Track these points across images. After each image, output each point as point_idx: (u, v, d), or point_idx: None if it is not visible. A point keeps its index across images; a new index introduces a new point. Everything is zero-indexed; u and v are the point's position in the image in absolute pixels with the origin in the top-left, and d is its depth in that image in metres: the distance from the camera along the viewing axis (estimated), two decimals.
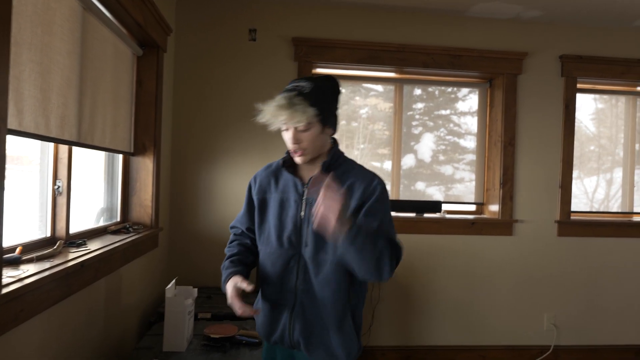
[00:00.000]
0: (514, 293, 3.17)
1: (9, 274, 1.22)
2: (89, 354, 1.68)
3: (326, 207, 1.12)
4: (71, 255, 1.55)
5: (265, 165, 1.48)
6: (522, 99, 3.17)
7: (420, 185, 3.28)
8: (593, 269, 3.24)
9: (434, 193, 3.29)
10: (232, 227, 1.53)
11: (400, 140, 3.24)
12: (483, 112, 3.33)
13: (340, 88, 1.40)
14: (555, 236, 3.20)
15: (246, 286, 1.26)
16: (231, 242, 1.50)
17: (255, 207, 1.41)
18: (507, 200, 3.15)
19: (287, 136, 1.29)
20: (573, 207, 3.28)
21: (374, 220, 1.25)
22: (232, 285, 1.29)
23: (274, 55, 2.98)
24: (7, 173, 1.13)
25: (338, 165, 1.35)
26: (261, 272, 1.40)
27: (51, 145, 1.72)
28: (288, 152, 1.36)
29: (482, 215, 3.31)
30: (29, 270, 1.28)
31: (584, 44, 3.21)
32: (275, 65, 2.98)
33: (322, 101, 1.28)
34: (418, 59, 3.06)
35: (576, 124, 3.26)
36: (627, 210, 3.45)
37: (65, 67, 1.63)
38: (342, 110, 3.19)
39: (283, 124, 1.27)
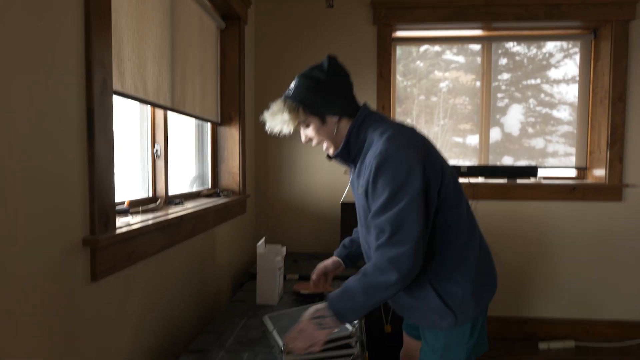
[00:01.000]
0: (624, 264, 2.85)
1: (121, 220, 1.34)
2: (189, 300, 1.81)
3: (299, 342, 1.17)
4: (171, 211, 1.65)
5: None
6: (636, 48, 2.79)
7: (507, 160, 3.05)
8: None
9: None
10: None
11: (489, 106, 3.02)
12: (586, 68, 2.99)
13: (337, 67, 1.30)
14: None
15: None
16: None
17: None
18: (616, 162, 2.82)
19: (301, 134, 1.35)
20: None
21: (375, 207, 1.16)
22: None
23: (353, 21, 2.92)
24: (114, 135, 1.22)
25: (359, 146, 1.28)
26: None
27: (148, 111, 1.84)
28: None
29: (585, 181, 3.00)
30: (137, 218, 1.40)
31: None
32: (354, 30, 2.92)
33: (304, 96, 1.26)
34: (509, 12, 2.81)
35: None
36: None
37: (158, 37, 1.73)
38: (421, 84, 3.06)
39: (280, 130, 1.30)
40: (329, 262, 1.56)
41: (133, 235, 1.25)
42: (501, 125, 3.06)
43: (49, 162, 0.97)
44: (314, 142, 1.32)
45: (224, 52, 2.58)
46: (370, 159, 1.17)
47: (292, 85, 1.30)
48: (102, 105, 1.15)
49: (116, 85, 1.42)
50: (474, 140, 3.07)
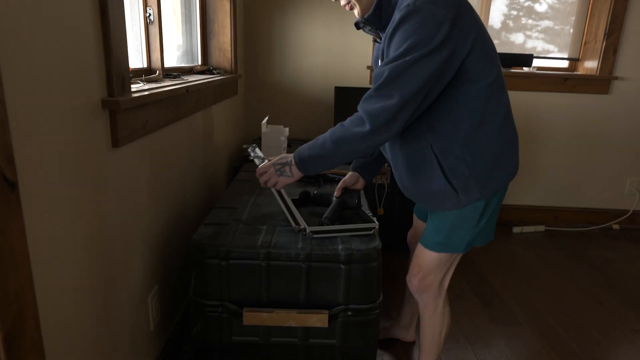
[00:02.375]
0: (599, 155, 3.02)
1: (132, 86, 1.23)
2: (195, 176, 1.78)
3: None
4: (172, 83, 1.54)
5: None
6: None
7: None
8: None
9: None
10: None
11: None
12: None
13: None
14: None
15: None
16: None
17: None
18: (610, 54, 2.81)
19: None
20: None
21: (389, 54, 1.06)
22: None
23: None
24: None
25: (383, 10, 1.12)
26: None
27: None
28: None
29: (576, 72, 3.01)
30: (144, 87, 1.29)
31: None
32: None
33: None
34: None
35: None
36: None
37: None
38: None
39: None
40: (346, 177, 1.45)
41: (148, 101, 1.15)
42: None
43: (62, 12, 0.83)
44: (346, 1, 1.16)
45: None
46: (396, 14, 1.04)
47: None
48: None
49: None
50: None
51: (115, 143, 1.04)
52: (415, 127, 1.15)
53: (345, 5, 1.19)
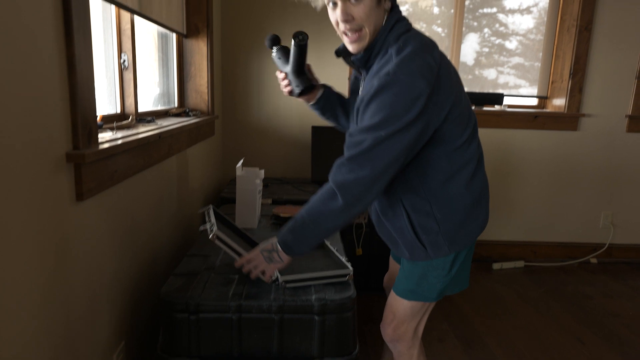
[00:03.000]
0: (573, 190, 3.08)
1: (100, 135, 1.21)
2: (166, 223, 1.74)
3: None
4: (145, 129, 1.52)
5: None
6: None
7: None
8: None
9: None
10: None
11: (461, 28, 2.96)
12: None
13: None
14: (624, 132, 3.01)
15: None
16: None
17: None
18: (576, 92, 2.93)
19: (337, 12, 1.05)
20: None
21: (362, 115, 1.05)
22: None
23: None
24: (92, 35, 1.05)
25: (382, 51, 1.08)
26: None
27: (113, 15, 1.62)
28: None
29: (545, 110, 3.12)
30: (116, 135, 1.27)
31: None
32: None
33: None
34: None
35: None
36: None
37: None
38: None
39: None
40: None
41: (116, 151, 1.13)
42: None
43: (25, 63, 0.82)
44: (353, 25, 1.05)
45: None
46: (385, 63, 1.02)
47: None
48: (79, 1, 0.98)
49: None
50: None
51: (80, 197, 1.01)
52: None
53: (347, 33, 1.08)
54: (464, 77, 3.03)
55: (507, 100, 3.11)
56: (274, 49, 1.29)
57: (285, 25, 2.76)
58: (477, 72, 3.05)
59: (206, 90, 2.41)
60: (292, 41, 1.16)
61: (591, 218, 3.13)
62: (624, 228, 3.14)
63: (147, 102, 2.15)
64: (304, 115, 2.86)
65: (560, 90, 3.00)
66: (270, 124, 2.88)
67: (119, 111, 1.69)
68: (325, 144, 2.76)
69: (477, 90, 3.06)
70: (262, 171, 1.93)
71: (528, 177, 3.05)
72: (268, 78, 2.82)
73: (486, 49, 3.02)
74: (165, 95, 2.33)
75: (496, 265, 2.97)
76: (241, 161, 1.84)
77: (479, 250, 3.12)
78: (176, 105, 2.38)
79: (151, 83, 2.21)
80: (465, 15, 2.96)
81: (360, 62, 1.13)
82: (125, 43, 1.65)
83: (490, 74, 3.07)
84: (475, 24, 2.98)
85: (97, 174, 1.08)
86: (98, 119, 1.36)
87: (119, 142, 1.17)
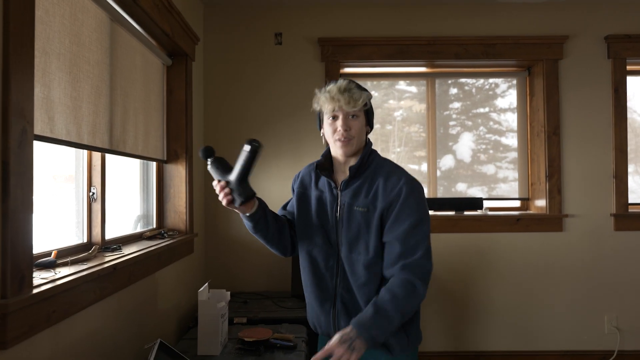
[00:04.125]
0: (569, 294, 2.95)
1: (42, 276, 1.24)
2: (127, 354, 1.69)
3: None
4: (105, 259, 1.57)
5: (309, 163, 1.52)
6: (566, 86, 2.98)
7: (461, 187, 3.15)
8: None
9: (476, 193, 3.15)
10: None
11: (435, 138, 3.12)
12: (523, 102, 3.16)
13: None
14: (612, 230, 2.96)
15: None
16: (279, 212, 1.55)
17: (295, 199, 1.47)
18: (555, 193, 2.96)
19: (338, 123, 1.31)
20: (634, 201, 3.07)
21: (403, 228, 1.27)
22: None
23: (301, 57, 2.97)
24: (48, 184, 1.15)
25: (367, 167, 1.37)
26: (303, 266, 1.44)
27: (85, 153, 1.76)
28: (323, 156, 1.42)
29: (528, 212, 3.12)
30: (61, 272, 1.30)
31: (632, 21, 2.99)
32: (302, 67, 2.96)
33: (367, 95, 1.34)
34: (450, 51, 2.95)
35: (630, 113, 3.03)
36: None
37: (95, 76, 1.67)
38: (377, 113, 3.13)
39: (338, 108, 1.30)
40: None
41: (54, 293, 1.16)
42: (454, 153, 3.16)
43: None
44: (348, 134, 1.31)
45: (171, 89, 2.54)
46: (394, 182, 1.30)
47: (347, 84, 1.33)
48: (20, 157, 1.09)
49: (44, 131, 1.35)
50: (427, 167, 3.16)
51: (4, 344, 1.02)
52: (372, 280, 1.30)
53: (342, 139, 1.31)
54: (464, 173, 3.11)
55: (492, 204, 3.15)
56: (209, 161, 1.34)
57: (264, 141, 2.93)
58: (476, 168, 3.15)
59: (184, 211, 2.51)
60: (247, 147, 1.25)
61: (594, 323, 2.94)
62: (631, 333, 2.94)
63: (127, 224, 2.23)
64: None
65: (540, 191, 3.03)
66: (252, 238, 2.90)
67: (85, 240, 1.75)
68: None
69: (477, 185, 3.12)
70: (228, 293, 1.93)
71: (518, 282, 2.95)
72: None
73: (482, 146, 3.15)
74: (145, 216, 2.43)
75: None
76: (205, 285, 1.84)
77: None
78: (155, 225, 2.45)
79: (132, 206, 2.32)
80: (458, 116, 3.13)
81: (358, 168, 1.34)
82: (95, 177, 1.77)
83: (490, 169, 3.15)
84: (470, 123, 3.15)
85: (28, 318, 1.09)
86: (52, 255, 1.41)
87: (60, 282, 1.20)
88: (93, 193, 1.76)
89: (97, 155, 1.78)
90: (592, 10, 2.98)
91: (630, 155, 3.04)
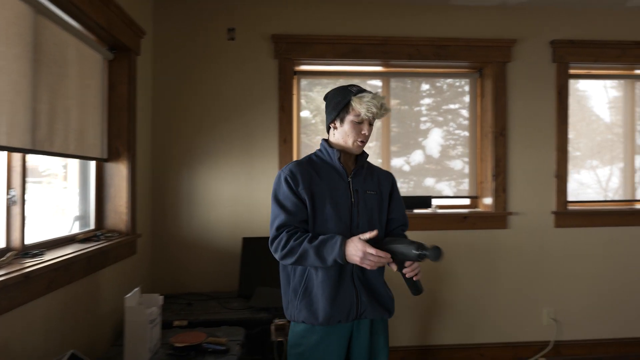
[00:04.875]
0: (511, 288, 3.04)
1: None
2: None
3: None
4: (20, 266, 1.49)
5: (292, 162, 1.59)
6: (513, 88, 3.05)
7: (429, 182, 3.19)
8: (594, 260, 3.09)
9: (444, 189, 3.20)
10: (281, 228, 1.50)
11: (389, 135, 3.13)
12: (474, 103, 3.21)
13: None
14: (552, 227, 3.06)
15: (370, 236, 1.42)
16: (294, 236, 1.48)
17: (307, 200, 1.51)
18: (500, 192, 3.03)
19: (365, 128, 1.53)
20: (584, 198, 3.21)
21: (401, 207, 1.70)
22: (359, 241, 1.40)
23: (254, 54, 2.91)
24: None
25: (365, 161, 1.64)
26: None
27: (4, 154, 1.67)
28: (329, 150, 1.58)
29: (476, 209, 3.19)
30: None
31: (575, 28, 3.07)
32: (255, 63, 2.91)
33: None
34: (403, 51, 2.96)
35: (594, 113, 3.12)
36: (629, 198, 3.29)
37: (13, 72, 1.58)
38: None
39: (373, 116, 1.51)
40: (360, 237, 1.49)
41: None
42: (423, 148, 3.18)
43: None
44: (367, 138, 1.56)
45: (113, 84, 2.44)
46: (385, 174, 1.69)
47: (384, 98, 1.54)
48: None
49: None
50: (398, 162, 3.17)
51: None
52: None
53: (362, 141, 1.55)
54: (432, 168, 3.14)
55: (445, 202, 3.19)
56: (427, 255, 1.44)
57: (213, 141, 2.88)
58: (444, 164, 3.19)
59: (126, 211, 2.43)
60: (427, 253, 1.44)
61: (534, 315, 3.05)
62: (567, 324, 3.06)
63: (63, 225, 2.15)
64: (235, 226, 2.87)
65: (487, 190, 3.10)
66: (201, 237, 2.87)
67: (4, 246, 1.67)
68: (256, 255, 2.74)
69: (446, 180, 3.16)
70: (161, 297, 1.88)
71: (463, 277, 3.02)
72: (199, 191, 2.87)
73: (451, 142, 3.20)
74: (82, 217, 2.34)
75: None
76: (135, 290, 1.79)
77: (426, 356, 2.97)
78: (94, 226, 2.37)
79: (69, 206, 2.23)
80: (429, 112, 3.14)
81: (362, 158, 1.63)
82: (15, 179, 1.68)
83: (457, 164, 3.19)
84: (441, 119, 3.18)
85: None
86: None
87: None
88: (12, 196, 1.68)
89: (17, 156, 1.69)
90: (539, 16, 3.05)
91: (590, 150, 3.14)
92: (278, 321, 2.30)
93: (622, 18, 3.09)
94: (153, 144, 2.85)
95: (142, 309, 1.72)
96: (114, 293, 2.26)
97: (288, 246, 1.45)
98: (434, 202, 3.10)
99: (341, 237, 1.41)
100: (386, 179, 1.66)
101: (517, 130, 3.05)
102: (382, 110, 1.50)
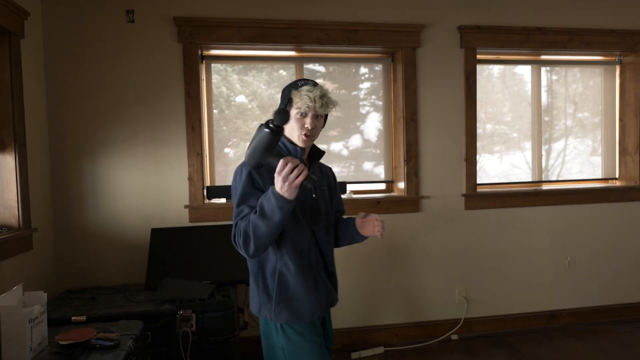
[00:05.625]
0: (425, 270, 3.17)
1: None
2: None
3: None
4: None
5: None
6: (423, 73, 3.12)
7: (368, 166, 3.24)
8: (502, 240, 3.27)
9: (381, 172, 3.25)
10: (243, 217, 1.41)
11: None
12: (387, 88, 3.26)
13: None
14: (462, 210, 3.20)
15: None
16: (244, 220, 1.39)
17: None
18: (412, 177, 3.11)
19: (307, 120, 1.47)
20: (514, 179, 3.40)
21: (340, 197, 1.75)
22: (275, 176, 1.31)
23: (156, 37, 2.80)
24: None
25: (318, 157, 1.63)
26: (289, 254, 1.48)
27: None
28: (295, 147, 1.51)
29: (391, 194, 3.27)
30: None
31: (482, 13, 3.16)
32: (158, 47, 2.80)
33: (336, 104, 1.53)
34: (312, 36, 2.94)
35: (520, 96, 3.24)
36: (536, 179, 3.49)
37: None
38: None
39: (312, 108, 1.45)
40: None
41: None
42: (361, 132, 3.21)
43: None
44: (312, 132, 1.49)
45: None
46: (328, 168, 1.72)
47: (326, 90, 1.49)
48: None
49: None
50: (337, 147, 3.19)
51: None
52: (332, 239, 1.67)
53: (307, 135, 1.48)
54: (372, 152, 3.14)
55: (363, 187, 3.24)
56: (270, 128, 1.32)
57: (117, 128, 2.76)
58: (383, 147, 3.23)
59: (16, 205, 2.30)
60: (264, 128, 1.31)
61: (447, 295, 3.20)
62: (477, 301, 3.23)
63: None
64: (144, 217, 2.79)
65: (400, 174, 3.18)
66: (109, 229, 2.77)
67: None
68: (165, 244, 2.68)
69: (382, 164, 3.16)
70: (45, 295, 1.81)
71: (378, 261, 3.11)
72: (102, 181, 2.76)
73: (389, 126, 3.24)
74: None
75: (354, 355, 2.90)
76: (16, 287, 1.71)
77: (340, 337, 3.04)
78: None
79: None
80: (367, 96, 3.13)
81: (315, 154, 1.61)
82: None
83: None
84: (380, 103, 3.22)
85: None
86: None
87: None
88: None
89: None
90: (447, 1, 3.11)
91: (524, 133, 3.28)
92: (183, 312, 2.30)
93: (526, 4, 3.21)
94: (50, 132, 2.70)
95: (18, 307, 1.64)
96: (7, 290, 2.15)
97: (242, 233, 1.37)
98: (349, 187, 3.15)
99: (271, 187, 1.33)
100: (331, 173, 1.71)
101: (428, 115, 3.13)
102: (324, 99, 1.45)
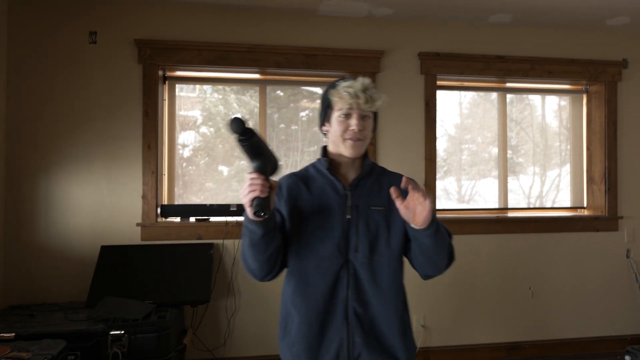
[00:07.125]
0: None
1: None
2: None
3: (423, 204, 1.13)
4: None
5: (287, 174, 1.34)
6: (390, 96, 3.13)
7: None
8: (462, 267, 3.20)
9: None
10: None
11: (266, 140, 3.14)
12: None
13: None
14: None
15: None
16: None
17: (285, 216, 1.25)
18: None
19: (352, 121, 1.22)
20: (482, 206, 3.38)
21: None
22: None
23: (117, 58, 2.86)
24: None
25: (372, 166, 1.33)
26: (300, 290, 1.24)
27: None
28: (320, 159, 1.31)
29: None
30: None
31: (441, 41, 3.20)
32: (118, 68, 2.86)
33: (384, 98, 1.28)
34: (270, 59, 2.98)
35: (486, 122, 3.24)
36: (501, 206, 3.45)
37: None
38: (282, 113, 3.17)
39: (356, 106, 1.21)
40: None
41: None
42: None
43: None
44: (361, 134, 1.23)
45: None
46: (399, 181, 1.20)
47: (369, 83, 1.24)
48: None
49: None
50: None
51: None
52: (397, 281, 1.33)
53: (354, 138, 1.23)
54: None
55: None
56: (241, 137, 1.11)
57: (74, 145, 2.80)
58: None
59: None
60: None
61: None
62: (436, 330, 3.15)
63: None
64: (96, 234, 2.80)
65: None
66: (59, 245, 2.77)
67: None
68: (113, 265, 2.67)
69: None
70: None
71: None
72: (57, 197, 2.78)
73: None
74: None
75: None
76: None
77: None
78: None
79: None
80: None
81: (367, 168, 1.29)
82: None
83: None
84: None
85: None
86: None
87: None
88: None
89: None
90: (407, 28, 3.16)
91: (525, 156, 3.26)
92: (114, 332, 2.27)
93: (485, 33, 3.25)
94: (8, 149, 2.74)
95: None
96: None
97: (242, 253, 1.23)
98: None
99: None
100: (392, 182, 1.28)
101: (387, 141, 3.13)
102: (368, 93, 1.20)
